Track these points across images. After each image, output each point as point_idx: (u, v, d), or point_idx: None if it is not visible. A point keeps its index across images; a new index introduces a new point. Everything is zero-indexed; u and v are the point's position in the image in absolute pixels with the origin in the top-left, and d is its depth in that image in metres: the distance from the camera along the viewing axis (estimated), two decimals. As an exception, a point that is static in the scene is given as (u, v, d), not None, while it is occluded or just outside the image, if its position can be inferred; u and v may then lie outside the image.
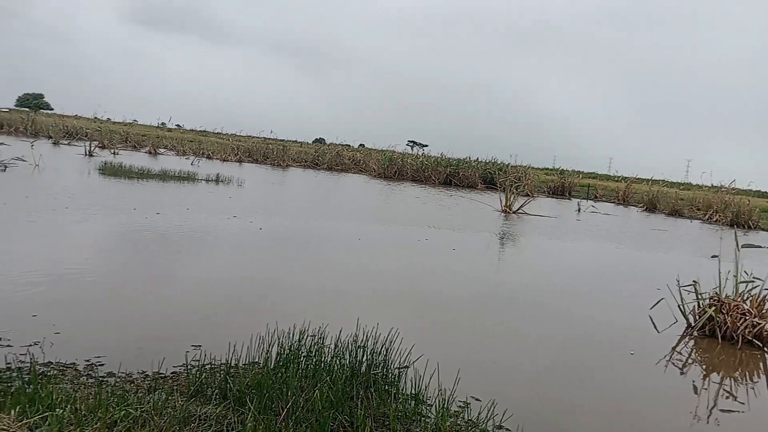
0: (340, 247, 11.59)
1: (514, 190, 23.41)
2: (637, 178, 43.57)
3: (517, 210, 22.26)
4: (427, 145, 77.89)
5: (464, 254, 12.07)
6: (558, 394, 5.24)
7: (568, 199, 35.60)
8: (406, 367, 4.86)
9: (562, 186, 38.09)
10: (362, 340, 5.02)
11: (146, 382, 4.26)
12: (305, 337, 4.91)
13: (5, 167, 17.60)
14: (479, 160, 39.75)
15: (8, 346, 4.71)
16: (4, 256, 7.73)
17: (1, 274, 6.75)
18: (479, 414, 4.31)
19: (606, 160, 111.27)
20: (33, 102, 77.00)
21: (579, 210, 26.25)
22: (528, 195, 28.36)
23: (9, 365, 4.24)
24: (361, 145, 63.59)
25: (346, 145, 56.85)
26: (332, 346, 4.89)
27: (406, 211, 19.89)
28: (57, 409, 3.44)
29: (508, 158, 39.95)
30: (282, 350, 4.69)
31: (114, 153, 30.91)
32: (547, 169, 57.46)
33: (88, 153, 27.77)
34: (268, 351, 4.68)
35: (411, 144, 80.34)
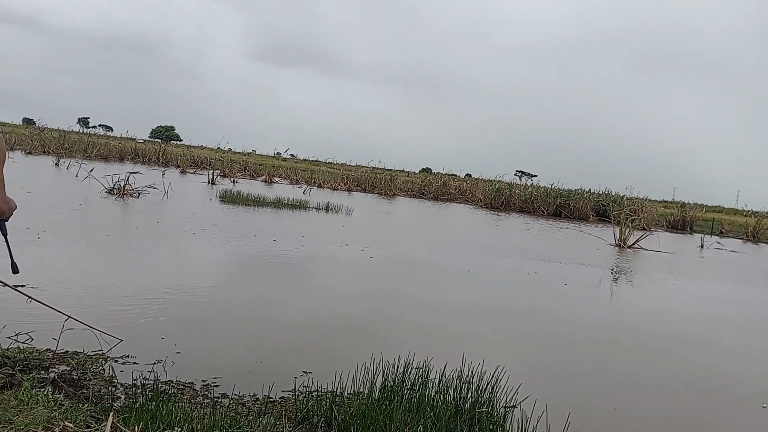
0: (449, 278, 11.53)
1: (629, 224, 22.29)
2: (770, 213, 40.20)
3: (633, 245, 21.15)
4: (536, 176, 76.16)
5: (576, 290, 11.60)
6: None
7: (690, 234, 33.40)
8: (513, 407, 4.70)
9: (683, 220, 35.82)
10: (467, 376, 4.93)
11: (257, 406, 4.40)
12: (410, 370, 4.89)
13: (139, 194, 19.21)
14: (592, 191, 38.35)
15: (135, 363, 5.06)
16: (137, 276, 8.36)
17: (132, 293, 7.29)
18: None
19: (733, 192, 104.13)
20: (165, 134, 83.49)
21: (702, 246, 24.52)
22: (644, 229, 26.88)
23: (135, 382, 4.55)
24: (467, 174, 63.34)
25: (453, 174, 56.90)
26: (437, 381, 4.84)
27: (514, 242, 19.47)
28: (176, 427, 3.64)
29: (623, 190, 38.16)
30: (386, 381, 4.70)
31: (234, 181, 32.74)
32: (665, 201, 54.28)
33: (210, 181, 29.62)
34: (372, 382, 4.71)
35: (519, 174, 78.93)
